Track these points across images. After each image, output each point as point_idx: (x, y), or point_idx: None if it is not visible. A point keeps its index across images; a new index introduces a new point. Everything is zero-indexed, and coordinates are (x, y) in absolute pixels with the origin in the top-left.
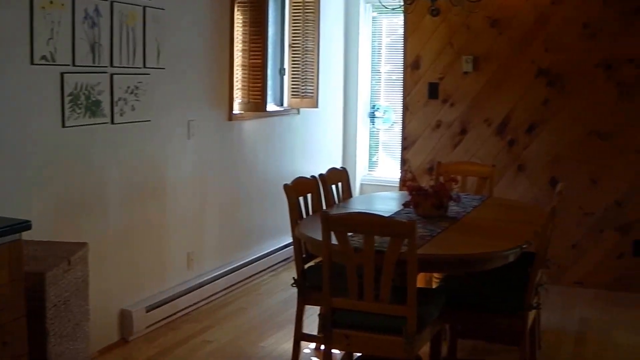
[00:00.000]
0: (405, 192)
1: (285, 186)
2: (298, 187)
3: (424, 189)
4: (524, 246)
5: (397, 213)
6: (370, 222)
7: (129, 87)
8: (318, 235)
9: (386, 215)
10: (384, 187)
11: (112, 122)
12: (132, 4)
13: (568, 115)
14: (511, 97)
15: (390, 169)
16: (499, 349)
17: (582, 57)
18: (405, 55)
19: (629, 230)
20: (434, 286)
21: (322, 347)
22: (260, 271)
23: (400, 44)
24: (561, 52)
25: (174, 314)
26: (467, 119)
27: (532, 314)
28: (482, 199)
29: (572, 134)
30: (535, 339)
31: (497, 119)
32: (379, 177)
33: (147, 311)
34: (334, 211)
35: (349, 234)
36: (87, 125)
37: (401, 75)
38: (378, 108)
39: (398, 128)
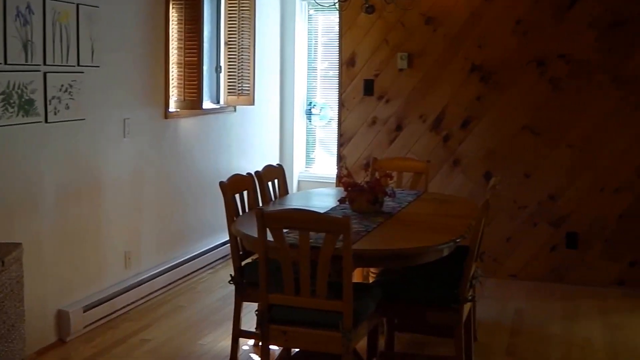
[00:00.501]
0: (342, 189)
1: (221, 184)
2: (234, 185)
3: (359, 185)
4: (458, 240)
5: (332, 209)
6: (305, 219)
7: (62, 86)
8: (254, 232)
9: (322, 211)
10: (321, 183)
11: (46, 121)
12: (65, 2)
13: (501, 111)
14: (445, 93)
15: (327, 166)
16: (436, 341)
17: (514, 54)
18: (341, 52)
19: (562, 223)
20: (370, 281)
21: (261, 343)
22: (199, 269)
23: (337, 41)
24: (494, 49)
25: (112, 313)
26: (402, 115)
27: (467, 307)
28: (417, 194)
29: (505, 129)
30: (471, 331)
31: (432, 115)
32: (316, 173)
33: (85, 311)
34: (270, 208)
35: (285, 230)
36: (20, 124)
37: (337, 72)
38: (315, 105)
39: (335, 125)
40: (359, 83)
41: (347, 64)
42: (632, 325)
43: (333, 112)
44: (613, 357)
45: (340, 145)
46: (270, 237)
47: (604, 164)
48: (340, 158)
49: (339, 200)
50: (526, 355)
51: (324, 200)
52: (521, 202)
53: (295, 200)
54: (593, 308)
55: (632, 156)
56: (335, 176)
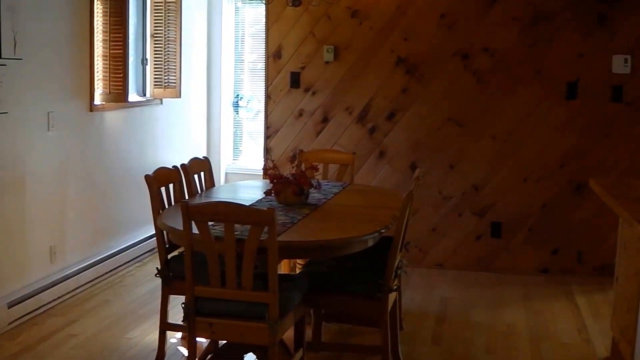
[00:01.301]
0: (268, 181)
1: (147, 177)
2: (159, 178)
3: (284, 177)
4: (383, 231)
5: (259, 201)
6: (229, 211)
7: None
8: (179, 226)
9: (248, 203)
10: (249, 175)
11: None
12: None
13: (427, 103)
14: (371, 86)
15: (255, 158)
16: (363, 331)
17: (439, 47)
18: (267, 45)
19: (486, 212)
20: (297, 272)
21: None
22: (126, 262)
23: (264, 34)
24: (420, 42)
25: (38, 309)
26: (329, 108)
27: (392, 297)
28: (343, 185)
29: (431, 121)
30: (397, 320)
31: (358, 107)
32: (244, 166)
33: (9, 307)
34: (196, 201)
35: (211, 223)
36: None
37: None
38: (242, 97)
39: (262, 117)
40: (286, 75)
41: (273, 56)
42: (554, 312)
43: (260, 104)
44: (536, 342)
45: (267, 137)
46: (195, 230)
47: (527, 155)
48: (267, 150)
49: (264, 193)
50: (452, 343)
51: (251, 192)
52: (446, 193)
53: (221, 193)
54: (517, 295)
55: (554, 147)
56: (262, 168)
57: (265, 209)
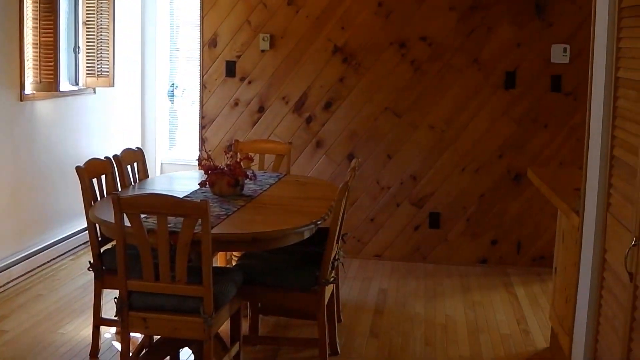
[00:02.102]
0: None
1: (77, 168)
2: (91, 169)
3: (219, 167)
4: (319, 222)
5: (193, 193)
6: (162, 204)
7: None
8: (111, 218)
9: (182, 195)
10: (185, 166)
11: None
12: None
13: (364, 92)
14: (308, 75)
15: (190, 149)
16: (300, 323)
17: (377, 36)
18: (202, 33)
19: (425, 203)
20: (233, 264)
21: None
22: (59, 256)
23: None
24: (357, 31)
25: None
26: (265, 97)
27: (329, 289)
28: (278, 176)
29: (368, 111)
30: (334, 312)
31: (295, 96)
32: (179, 157)
33: None
34: (129, 192)
35: (143, 215)
36: None
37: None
38: (177, 87)
39: (198, 107)
40: (221, 64)
41: (208, 45)
42: (493, 303)
43: (196, 94)
44: (475, 334)
45: (203, 127)
46: (128, 223)
47: (466, 145)
48: (202, 141)
49: (199, 184)
50: (390, 335)
51: (185, 183)
52: (384, 183)
53: (156, 184)
54: (456, 286)
55: (492, 136)
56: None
57: (199, 200)
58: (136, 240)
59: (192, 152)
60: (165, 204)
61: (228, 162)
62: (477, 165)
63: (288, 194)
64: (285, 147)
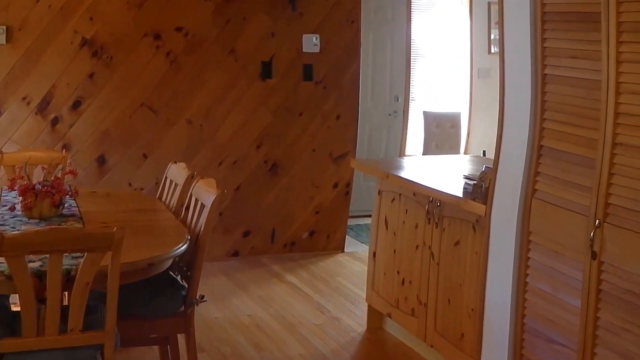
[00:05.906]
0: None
1: None
2: None
3: (37, 186)
4: (188, 237)
5: (3, 220)
6: (59, 239)
7: None
8: None
9: None
10: None
11: None
12: None
13: (117, 89)
14: (53, 72)
15: None
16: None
17: (129, 27)
18: None
19: None
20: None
21: None
22: None
23: None
24: (107, 22)
25: None
26: (1, 99)
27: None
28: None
29: (121, 108)
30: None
31: (38, 96)
32: None
33: None
34: None
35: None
36: None
37: None
38: None
39: None
40: None
41: None
42: (278, 295)
43: None
44: (292, 328)
45: None
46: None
47: (224, 138)
48: None
49: (9, 209)
50: (217, 346)
51: None
52: (137, 184)
53: None
54: (226, 285)
55: (250, 128)
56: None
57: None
58: (18, 289)
59: None
60: (64, 238)
61: (46, 179)
62: (235, 158)
63: (106, 208)
64: (59, 155)
